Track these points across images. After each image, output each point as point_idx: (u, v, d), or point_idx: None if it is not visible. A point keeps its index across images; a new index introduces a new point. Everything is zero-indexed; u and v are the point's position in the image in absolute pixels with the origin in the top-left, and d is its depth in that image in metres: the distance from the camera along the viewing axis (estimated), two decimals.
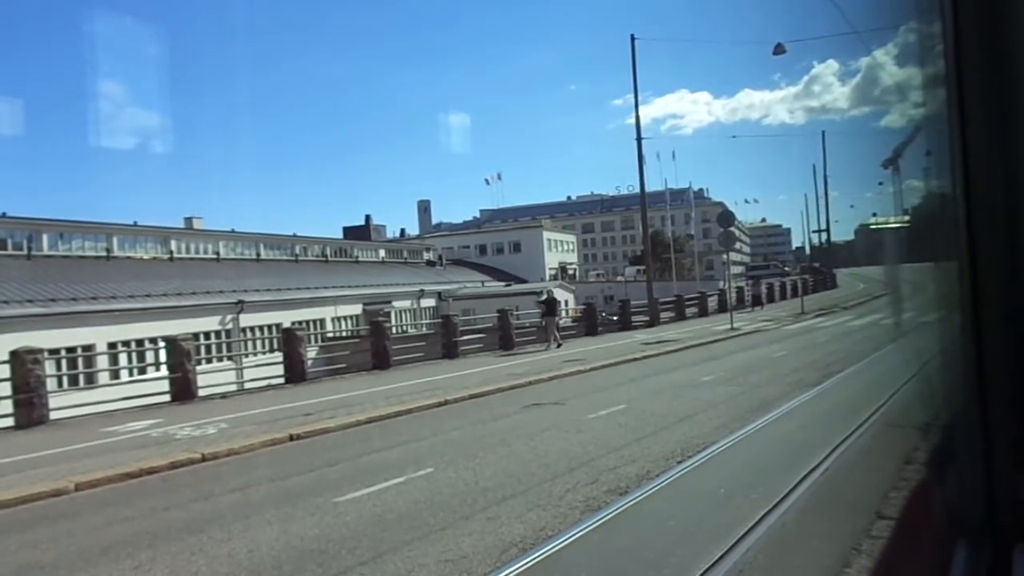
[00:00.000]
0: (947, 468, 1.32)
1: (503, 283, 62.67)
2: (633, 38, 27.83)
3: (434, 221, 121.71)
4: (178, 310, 32.85)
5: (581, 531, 5.07)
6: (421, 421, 10.76)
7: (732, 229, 25.58)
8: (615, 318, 28.27)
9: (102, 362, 26.83)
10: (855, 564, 4.12)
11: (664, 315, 31.08)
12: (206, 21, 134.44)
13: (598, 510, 5.55)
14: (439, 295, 55.00)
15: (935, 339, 1.34)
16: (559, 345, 21.39)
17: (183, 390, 13.52)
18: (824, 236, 64.43)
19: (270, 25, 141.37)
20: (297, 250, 51.96)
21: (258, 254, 48.39)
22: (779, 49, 26.38)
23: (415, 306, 53.01)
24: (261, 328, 36.98)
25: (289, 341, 15.66)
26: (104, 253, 37.99)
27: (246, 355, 30.41)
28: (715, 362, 16.09)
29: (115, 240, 39.11)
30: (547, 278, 66.42)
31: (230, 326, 36.64)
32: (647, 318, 28.71)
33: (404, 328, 43.64)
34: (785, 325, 25.78)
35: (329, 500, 6.36)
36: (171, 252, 41.87)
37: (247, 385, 16.32)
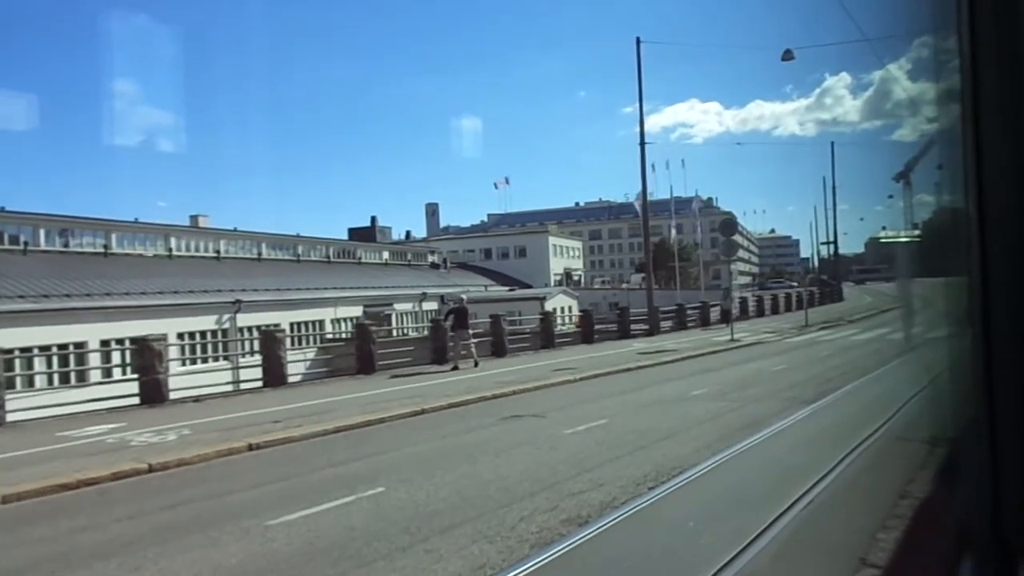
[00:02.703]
0: (954, 482, 1.34)
1: (507, 287, 62.12)
2: (639, 41, 27.31)
3: (442, 225, 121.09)
4: (174, 308, 32.44)
5: (524, 570, 4.49)
6: (391, 432, 10.20)
7: (735, 238, 24.94)
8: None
9: (94, 360, 26.46)
10: None
11: (665, 324, 30.48)
12: (221, 23, 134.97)
13: (550, 544, 4.95)
14: (442, 298, 54.49)
15: (944, 354, 1.34)
16: (476, 364, 18.04)
17: (153, 393, 13.00)
18: (832, 248, 63.49)
19: (283, 28, 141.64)
20: (299, 250, 51.43)
21: (259, 253, 47.85)
22: (787, 55, 25.78)
23: (417, 309, 52.49)
24: (259, 328, 36.55)
25: (268, 343, 15.12)
26: (102, 250, 37.55)
27: (243, 355, 29.92)
28: (710, 375, 15.47)
29: (114, 237, 38.68)
30: (552, 283, 65.79)
31: (227, 325, 36.22)
32: (647, 327, 28.08)
33: (405, 331, 43.11)
34: (788, 337, 25.12)
35: (262, 523, 5.79)
36: (170, 250, 41.42)
37: (227, 388, 15.78)
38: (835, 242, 62.78)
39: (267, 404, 12.81)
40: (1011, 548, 1.01)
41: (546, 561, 4.63)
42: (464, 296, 19.89)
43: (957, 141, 1.04)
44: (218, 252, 44.59)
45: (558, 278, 70.75)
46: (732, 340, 23.38)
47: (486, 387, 14.09)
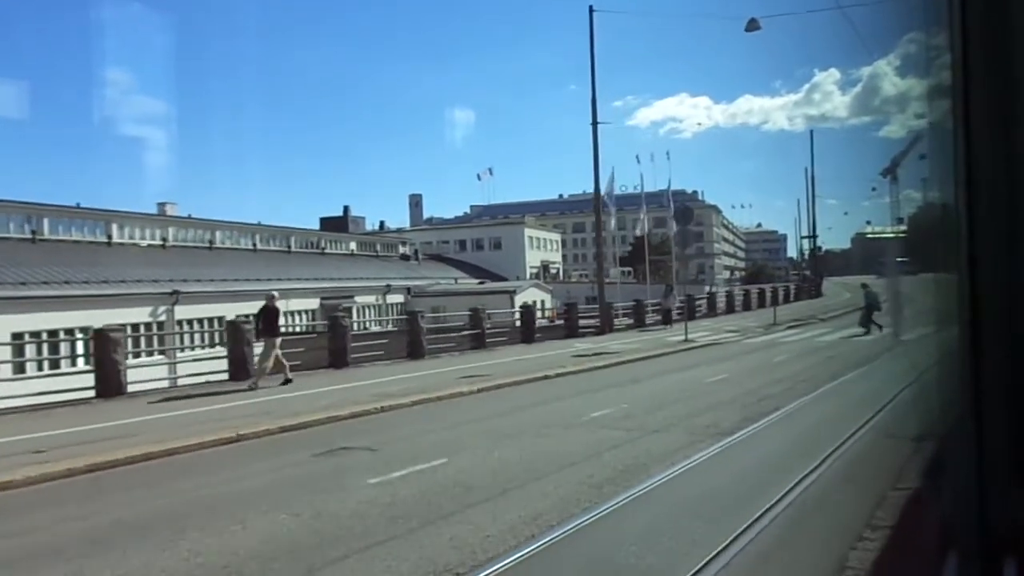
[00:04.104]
0: (941, 478, 1.35)
1: (477, 280, 59.60)
2: (591, 9, 24.69)
3: (425, 216, 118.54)
4: (99, 299, 29.74)
5: None
6: (162, 472, 7.61)
7: (691, 227, 22.47)
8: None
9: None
10: None
11: (624, 321, 28.07)
12: (211, 10, 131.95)
13: None
14: (408, 291, 51.97)
15: (933, 350, 1.36)
16: (288, 380, 13.65)
17: None
18: (812, 242, 60.88)
19: (272, 17, 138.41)
20: (256, 239, 48.67)
21: (211, 242, 45.05)
22: (752, 25, 23.28)
23: (380, 302, 49.91)
24: (200, 321, 33.99)
25: (101, 345, 12.48)
26: (30, 236, 34.74)
27: (181, 349, 27.29)
28: (632, 387, 12.96)
29: (46, 222, 35.87)
30: (527, 276, 63.19)
31: (163, 318, 33.60)
32: (599, 323, 25.58)
33: (365, 324, 40.44)
34: (749, 337, 22.68)
35: None
36: (110, 237, 38.64)
37: (53, 398, 13.04)
38: (814, 236, 60.14)
39: (68, 423, 10.24)
40: (997, 544, 1.00)
41: None
42: (275, 293, 14.49)
43: (947, 137, 1.03)
44: (164, 240, 41.84)
45: (535, 271, 68.33)
46: (686, 340, 20.93)
47: (361, 399, 11.58)
